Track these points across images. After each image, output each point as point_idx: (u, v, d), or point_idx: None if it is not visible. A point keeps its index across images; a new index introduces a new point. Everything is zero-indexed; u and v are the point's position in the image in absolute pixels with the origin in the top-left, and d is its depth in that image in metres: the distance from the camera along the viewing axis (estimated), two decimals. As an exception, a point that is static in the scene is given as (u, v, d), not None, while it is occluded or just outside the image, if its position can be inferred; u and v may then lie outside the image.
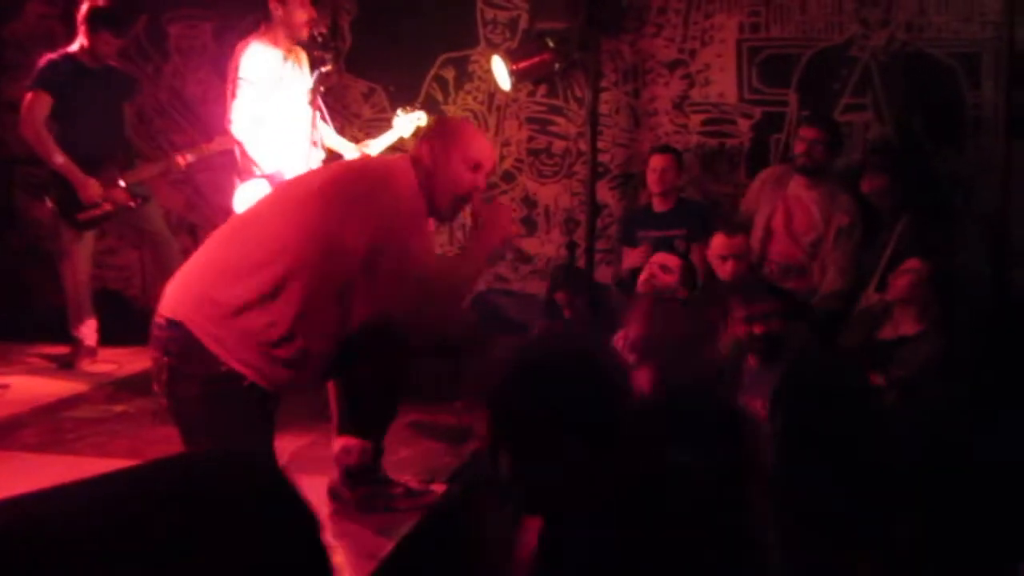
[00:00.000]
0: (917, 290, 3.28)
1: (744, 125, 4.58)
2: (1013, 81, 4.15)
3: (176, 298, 2.26)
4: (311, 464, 2.82)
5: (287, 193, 2.52)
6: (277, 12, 3.70)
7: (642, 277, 3.63)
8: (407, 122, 4.07)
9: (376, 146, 3.99)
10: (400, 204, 2.30)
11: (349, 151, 3.98)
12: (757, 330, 2.92)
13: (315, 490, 2.75)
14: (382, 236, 2.23)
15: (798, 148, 4.13)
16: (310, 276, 2.21)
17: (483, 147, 2.49)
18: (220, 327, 2.18)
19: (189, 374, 2.18)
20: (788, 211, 4.13)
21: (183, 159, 4.22)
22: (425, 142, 2.46)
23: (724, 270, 3.72)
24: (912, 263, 3.34)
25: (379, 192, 2.30)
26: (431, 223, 2.53)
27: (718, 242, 3.77)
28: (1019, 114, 4.19)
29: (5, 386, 3.86)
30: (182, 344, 2.17)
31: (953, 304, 3.31)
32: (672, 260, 3.66)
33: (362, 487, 2.66)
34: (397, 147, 4.12)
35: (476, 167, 2.43)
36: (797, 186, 4.15)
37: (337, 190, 2.31)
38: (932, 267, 3.31)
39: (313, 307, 2.21)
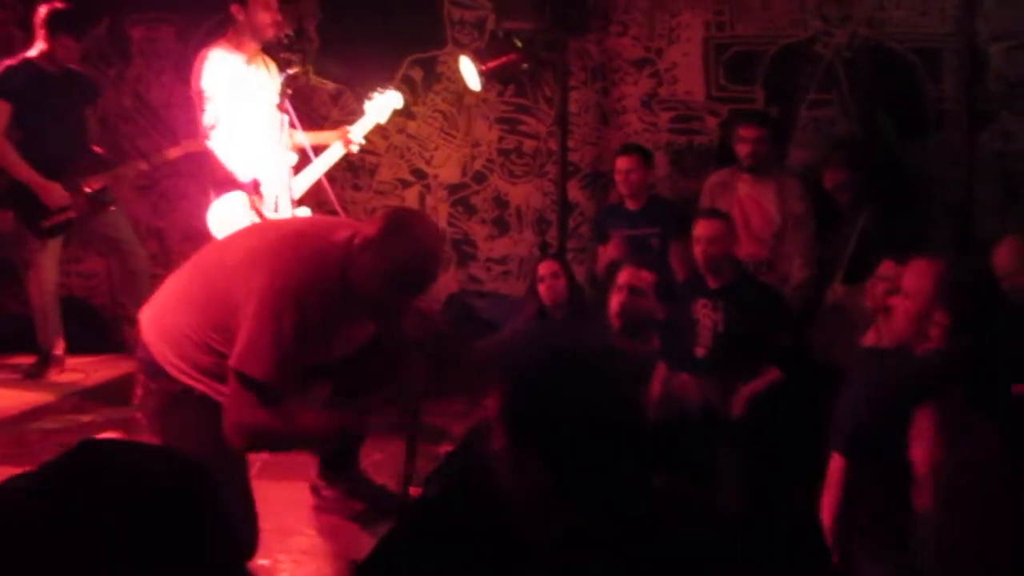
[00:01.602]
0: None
1: (712, 122, 4.61)
2: (973, 74, 4.23)
3: (145, 322, 2.45)
4: (283, 470, 2.80)
5: (250, 240, 2.47)
6: (240, 16, 3.65)
7: (614, 307, 3.44)
8: (382, 105, 3.95)
9: (356, 132, 3.91)
10: (278, 288, 2.20)
11: (328, 140, 3.91)
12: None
13: (289, 494, 2.73)
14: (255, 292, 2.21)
15: (742, 149, 4.15)
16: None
17: (432, 273, 2.32)
18: (175, 351, 2.34)
19: (154, 390, 2.38)
20: (743, 211, 4.17)
21: (147, 164, 4.16)
22: (370, 229, 2.28)
23: (696, 252, 3.46)
24: (886, 269, 3.22)
25: (283, 257, 2.26)
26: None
27: (696, 227, 3.64)
28: (980, 107, 4.27)
29: (-31, 398, 3.79)
30: (148, 364, 2.38)
31: None
32: (643, 277, 3.48)
33: (339, 485, 2.66)
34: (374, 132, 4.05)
35: (415, 289, 2.29)
36: (746, 185, 4.20)
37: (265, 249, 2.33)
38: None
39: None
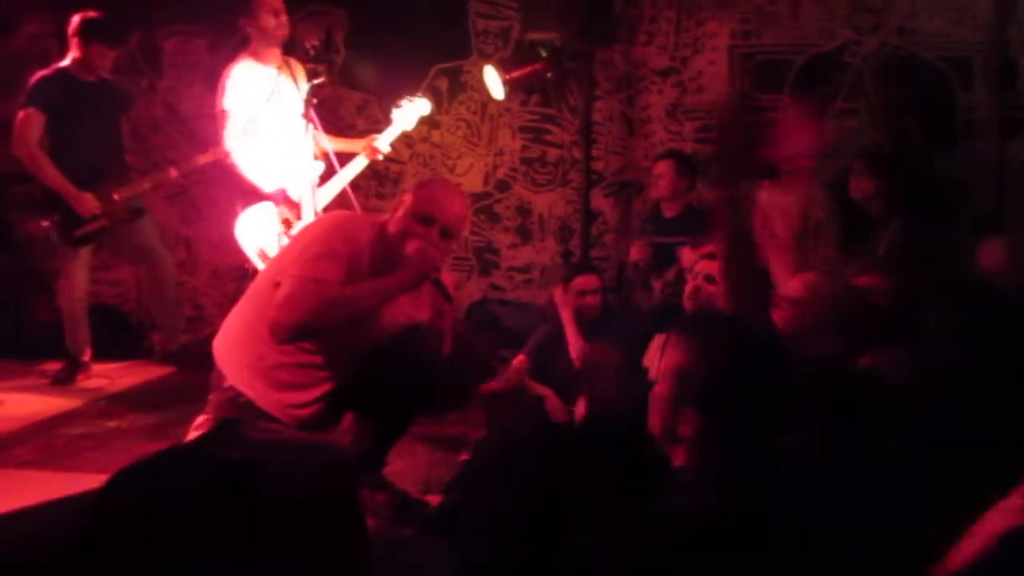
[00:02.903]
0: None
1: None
2: (1004, 83, 4.17)
3: (219, 333, 2.64)
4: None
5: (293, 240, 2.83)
6: (249, 27, 3.71)
7: (688, 289, 3.45)
8: (410, 113, 3.96)
9: (383, 140, 3.94)
10: (320, 226, 2.52)
11: (354, 147, 3.94)
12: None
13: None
14: (292, 255, 2.46)
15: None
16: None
17: (441, 204, 2.45)
18: (229, 354, 2.53)
19: (214, 396, 2.62)
20: (765, 218, 4.13)
21: (176, 171, 4.21)
22: (399, 200, 2.55)
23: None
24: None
25: (311, 227, 2.61)
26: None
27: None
28: (1011, 115, 4.20)
29: (-1, 403, 3.85)
30: (216, 372, 2.61)
31: (935, 312, 3.23)
32: (715, 267, 3.52)
33: (365, 483, 2.68)
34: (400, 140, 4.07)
35: (427, 221, 2.42)
36: (768, 193, 4.16)
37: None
38: (895, 282, 3.16)
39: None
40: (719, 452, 1.44)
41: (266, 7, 3.68)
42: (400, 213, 2.47)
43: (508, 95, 4.57)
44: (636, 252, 4.24)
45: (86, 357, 4.30)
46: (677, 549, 1.32)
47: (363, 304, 2.37)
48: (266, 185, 3.65)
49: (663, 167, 4.30)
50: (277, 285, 2.37)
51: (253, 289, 2.58)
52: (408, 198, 2.49)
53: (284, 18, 3.71)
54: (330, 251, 2.37)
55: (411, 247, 2.37)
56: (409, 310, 2.53)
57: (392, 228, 2.46)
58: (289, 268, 2.38)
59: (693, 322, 1.60)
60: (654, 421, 1.53)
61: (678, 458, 1.49)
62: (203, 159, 4.12)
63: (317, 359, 2.45)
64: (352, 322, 2.39)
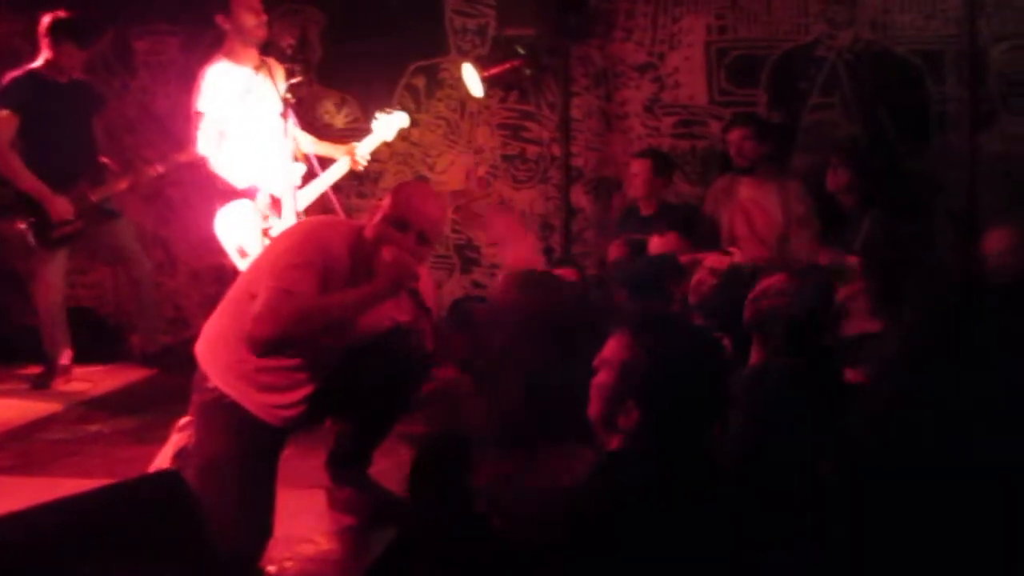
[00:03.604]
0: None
1: (715, 127, 4.62)
2: (975, 75, 4.23)
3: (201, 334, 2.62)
4: (296, 477, 2.79)
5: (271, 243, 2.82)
6: (227, 25, 3.68)
7: (693, 282, 3.47)
8: (389, 124, 4.00)
9: (362, 149, 3.94)
10: (293, 240, 2.50)
11: (335, 153, 3.94)
12: None
13: (301, 501, 2.74)
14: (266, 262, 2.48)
15: (731, 152, 4.21)
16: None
17: (416, 208, 2.44)
18: (211, 353, 2.51)
19: (196, 397, 2.54)
20: (746, 214, 4.19)
21: (153, 169, 4.18)
22: (378, 204, 2.55)
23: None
24: (849, 258, 3.28)
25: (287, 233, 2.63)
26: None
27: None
28: (982, 108, 4.27)
29: (-23, 409, 3.80)
30: (198, 372, 2.55)
31: (916, 299, 3.29)
32: (723, 261, 3.54)
33: (350, 484, 2.69)
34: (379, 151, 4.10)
35: (403, 226, 2.41)
36: (747, 188, 4.22)
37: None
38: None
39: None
40: (654, 444, 1.53)
41: (245, 5, 3.65)
42: (377, 218, 2.46)
43: (486, 92, 4.57)
44: (615, 251, 4.26)
45: (66, 360, 4.26)
46: (601, 522, 1.41)
47: (338, 315, 2.38)
48: (240, 183, 3.63)
49: (638, 166, 4.34)
50: (253, 296, 2.36)
51: (233, 292, 2.57)
52: (385, 203, 2.48)
53: (263, 18, 3.69)
54: (305, 261, 2.36)
55: (386, 254, 2.36)
56: (389, 311, 2.53)
57: (369, 234, 2.45)
58: (264, 278, 2.37)
59: (641, 319, 1.66)
60: (594, 408, 1.60)
61: (613, 444, 1.58)
62: (179, 157, 4.10)
63: (298, 361, 2.45)
64: (329, 331, 2.40)
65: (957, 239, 4.21)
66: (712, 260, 3.55)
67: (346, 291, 2.39)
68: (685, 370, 1.54)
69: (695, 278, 3.48)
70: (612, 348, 1.59)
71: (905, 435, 1.67)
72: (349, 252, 2.43)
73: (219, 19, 3.69)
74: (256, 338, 2.30)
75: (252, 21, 3.65)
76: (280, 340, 2.31)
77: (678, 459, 1.51)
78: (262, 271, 2.44)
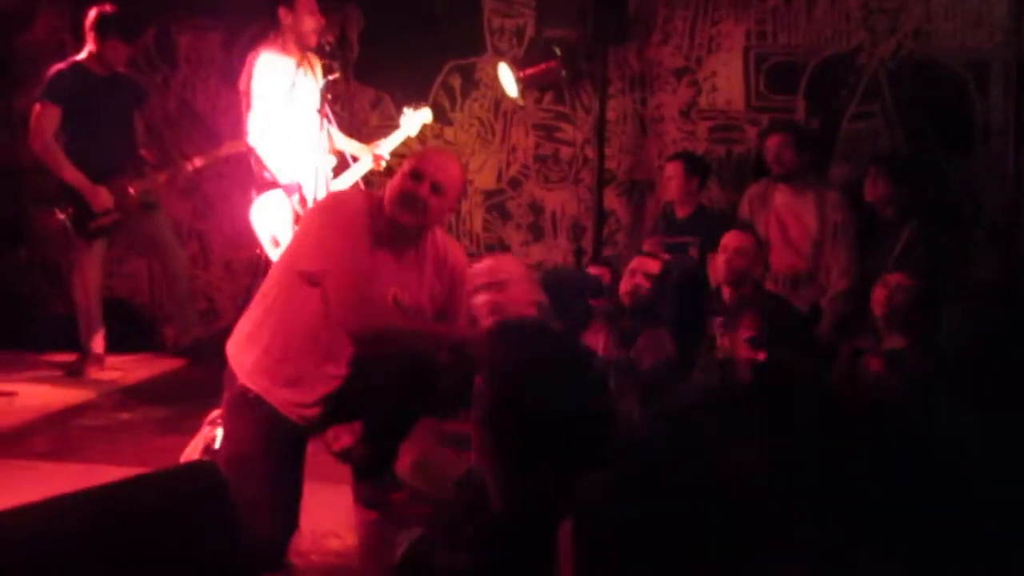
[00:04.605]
0: (894, 304, 3.10)
1: (751, 132, 4.57)
2: (1022, 86, 4.14)
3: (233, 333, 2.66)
4: (324, 471, 2.80)
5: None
6: (287, 20, 3.73)
7: (627, 286, 3.54)
8: (413, 120, 4.06)
9: (386, 146, 4.00)
10: (320, 205, 2.62)
11: (361, 152, 4.00)
12: None
13: (329, 496, 2.75)
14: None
15: (769, 159, 4.15)
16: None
17: (432, 160, 2.55)
18: (238, 350, 2.55)
19: (226, 394, 2.59)
20: (781, 222, 4.14)
21: (192, 164, 4.24)
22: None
23: (719, 262, 3.56)
24: (894, 277, 3.17)
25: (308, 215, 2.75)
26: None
27: (724, 238, 3.62)
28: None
29: (13, 394, 3.87)
30: (227, 370, 2.59)
31: (948, 318, 3.20)
32: (653, 265, 3.59)
33: (370, 486, 2.68)
34: (404, 147, 4.13)
35: (416, 176, 2.49)
36: (783, 195, 4.16)
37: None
38: (912, 282, 3.13)
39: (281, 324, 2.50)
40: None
41: (308, 8, 3.72)
42: (395, 178, 2.54)
43: (522, 93, 4.57)
44: (648, 247, 4.20)
45: (99, 349, 4.32)
46: None
47: (414, 343, 2.53)
48: (283, 176, 3.67)
49: (672, 169, 4.31)
50: (301, 275, 2.45)
51: (265, 286, 2.60)
52: (404, 165, 2.57)
53: (322, 23, 3.75)
54: (331, 218, 2.49)
55: (398, 206, 2.48)
56: (402, 283, 2.55)
57: (388, 194, 2.52)
58: (303, 259, 2.47)
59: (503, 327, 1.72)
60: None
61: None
62: (219, 152, 4.15)
63: (320, 355, 2.47)
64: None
65: (998, 254, 4.13)
66: (645, 265, 3.57)
67: (427, 324, 2.55)
68: (527, 384, 1.64)
69: (630, 282, 3.52)
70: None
71: (928, 458, 1.63)
72: (371, 217, 2.51)
73: (281, 12, 3.73)
74: (349, 327, 2.42)
75: (311, 24, 3.72)
76: (364, 330, 2.44)
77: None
78: (294, 252, 2.54)
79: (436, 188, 2.49)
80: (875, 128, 4.43)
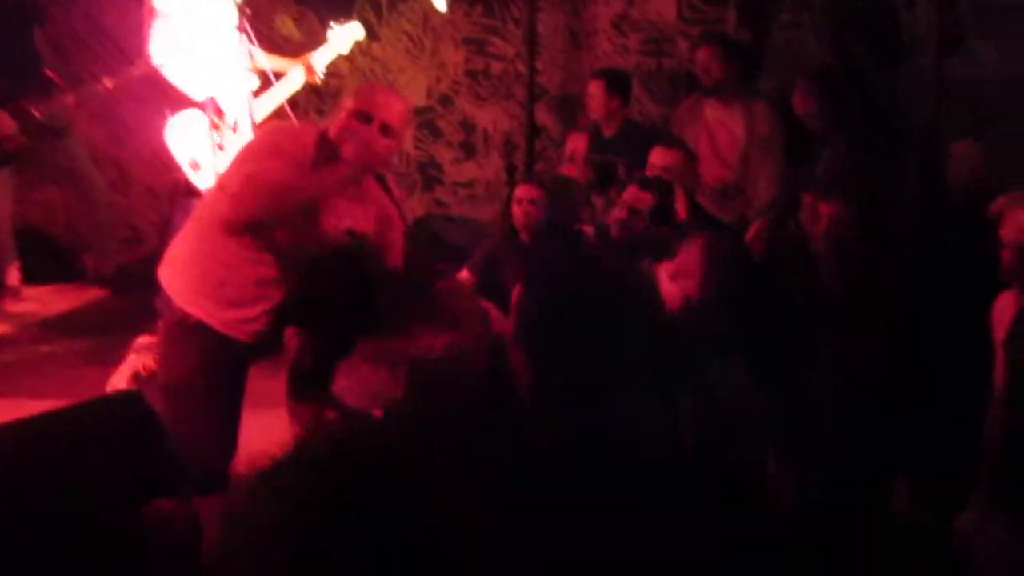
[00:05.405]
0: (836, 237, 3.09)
1: (683, 45, 4.54)
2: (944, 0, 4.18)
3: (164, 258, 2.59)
4: (259, 399, 2.78)
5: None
6: None
7: (613, 224, 3.39)
8: (343, 35, 3.90)
9: (317, 60, 3.84)
10: (264, 134, 2.54)
11: (288, 67, 3.84)
12: None
13: (265, 421, 2.73)
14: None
15: (699, 71, 4.14)
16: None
17: (379, 101, 2.49)
18: (173, 273, 2.50)
19: (163, 321, 2.56)
20: (710, 134, 4.14)
21: (102, 85, 4.03)
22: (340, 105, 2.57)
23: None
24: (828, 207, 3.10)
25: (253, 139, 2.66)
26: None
27: (652, 154, 3.58)
28: (950, 32, 4.23)
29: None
30: (163, 295, 2.56)
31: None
32: (644, 199, 3.37)
33: (305, 405, 2.68)
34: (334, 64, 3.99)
35: (365, 118, 2.44)
36: (712, 109, 4.17)
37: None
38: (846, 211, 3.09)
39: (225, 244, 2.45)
40: None
41: None
42: (340, 115, 2.48)
43: (450, 6, 4.43)
44: (573, 172, 4.18)
45: (14, 281, 4.16)
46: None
47: (303, 196, 2.42)
48: (196, 94, 3.53)
49: (593, 87, 4.23)
50: (222, 188, 2.40)
51: (197, 212, 2.56)
52: (347, 101, 2.51)
53: None
54: (276, 149, 2.43)
55: (348, 147, 2.40)
56: (352, 216, 2.51)
57: (332, 131, 2.47)
58: (235, 171, 2.42)
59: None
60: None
61: None
62: (134, 70, 3.94)
63: (260, 272, 2.44)
64: (300, 214, 2.41)
65: (919, 164, 4.22)
66: (631, 196, 3.39)
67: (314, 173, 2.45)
68: None
69: (615, 214, 3.40)
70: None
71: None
72: (315, 149, 2.44)
73: None
74: (231, 219, 2.34)
75: None
76: (255, 218, 2.36)
77: None
78: (231, 170, 2.48)
79: (385, 129, 2.45)
80: (804, 40, 4.43)
